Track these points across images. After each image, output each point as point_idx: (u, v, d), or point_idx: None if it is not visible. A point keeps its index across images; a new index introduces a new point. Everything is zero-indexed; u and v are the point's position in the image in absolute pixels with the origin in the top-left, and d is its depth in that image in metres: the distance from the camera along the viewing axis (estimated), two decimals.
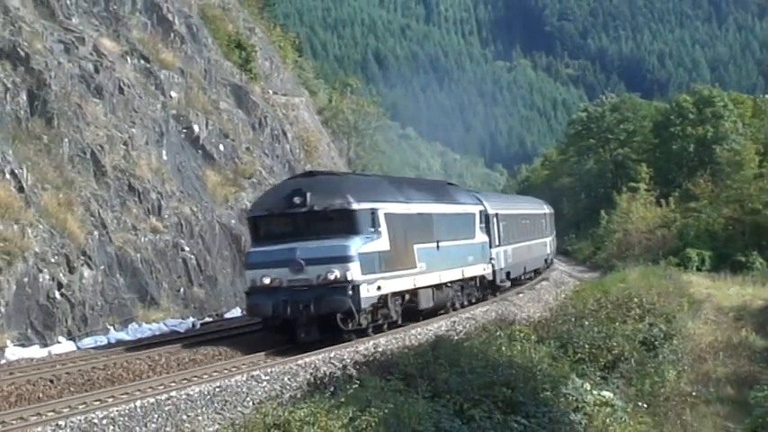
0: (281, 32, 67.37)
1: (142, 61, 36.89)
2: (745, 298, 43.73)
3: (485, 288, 33.97)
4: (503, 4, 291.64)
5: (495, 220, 35.47)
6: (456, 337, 22.14)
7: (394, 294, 24.42)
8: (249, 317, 24.92)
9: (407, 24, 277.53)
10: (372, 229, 23.13)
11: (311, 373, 18.34)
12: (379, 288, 23.09)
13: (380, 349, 20.22)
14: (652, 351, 26.45)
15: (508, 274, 37.72)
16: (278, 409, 13.85)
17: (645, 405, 22.27)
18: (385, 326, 24.40)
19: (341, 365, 19.11)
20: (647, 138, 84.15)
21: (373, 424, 13.82)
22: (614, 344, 23.91)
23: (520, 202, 52.99)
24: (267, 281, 22.36)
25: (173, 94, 37.83)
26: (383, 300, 23.64)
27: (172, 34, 40.77)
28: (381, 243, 23.46)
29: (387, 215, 23.89)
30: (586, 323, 25.23)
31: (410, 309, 25.92)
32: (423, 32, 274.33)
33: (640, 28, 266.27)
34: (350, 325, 22.35)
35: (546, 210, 54.67)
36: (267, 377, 18.32)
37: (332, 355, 20.95)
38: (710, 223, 61.08)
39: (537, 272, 47.43)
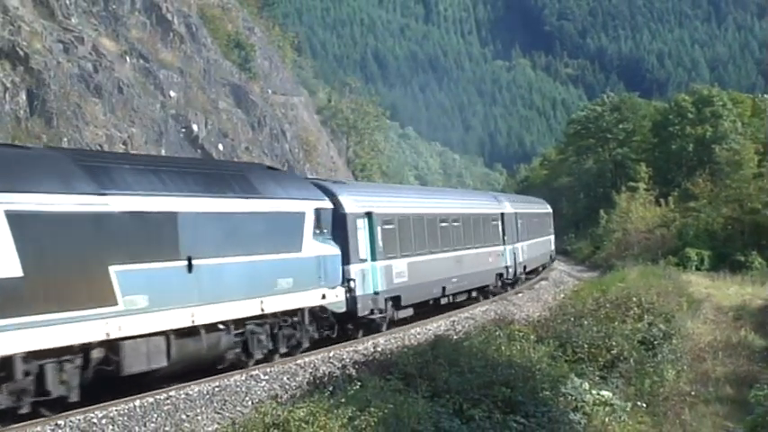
0: (280, 32, 67.47)
1: (141, 61, 36.93)
2: (745, 297, 43.73)
3: (334, 324, 23.01)
4: (502, 4, 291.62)
5: (361, 223, 25.03)
6: (455, 337, 22.14)
7: (41, 355, 14.34)
8: None
9: (407, 24, 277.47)
10: None
11: (310, 373, 18.37)
12: None
13: (380, 349, 20.22)
14: (651, 350, 26.43)
15: (396, 299, 26.81)
16: (277, 408, 13.84)
17: (644, 404, 22.25)
18: (23, 408, 14.20)
19: (340, 365, 19.14)
20: (646, 137, 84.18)
21: (373, 424, 13.81)
22: (613, 343, 23.90)
23: (439, 196, 38.96)
24: None
25: (172, 93, 37.86)
26: None
27: (171, 34, 40.85)
28: None
29: (15, 216, 14.03)
30: (585, 323, 25.22)
31: (111, 374, 15.80)
32: (422, 32, 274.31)
33: (640, 28, 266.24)
34: None
35: (508, 207, 41.49)
36: (266, 377, 18.35)
37: (331, 354, 20.98)
38: (710, 223, 61.09)
39: (485, 290, 36.53)
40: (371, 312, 25.18)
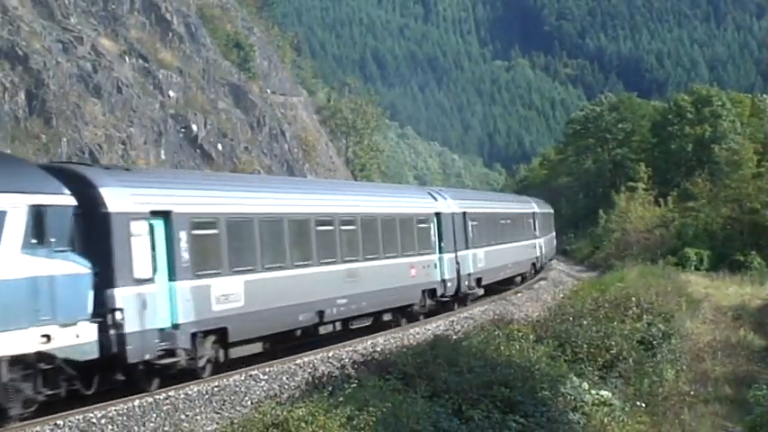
0: (279, 32, 67.50)
1: (140, 61, 36.95)
2: (744, 297, 43.74)
3: (83, 377, 15.60)
4: (501, 4, 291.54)
5: (143, 228, 17.27)
6: (454, 337, 22.15)
7: None
8: None
9: (406, 24, 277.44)
10: None
11: (309, 373, 18.37)
12: None
13: (379, 349, 20.22)
14: (650, 350, 26.48)
15: (220, 334, 19.03)
16: (276, 408, 13.87)
17: (643, 404, 22.27)
18: None
19: (339, 365, 19.14)
20: (645, 137, 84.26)
21: (371, 423, 13.83)
22: (612, 343, 23.95)
23: (320, 191, 27.09)
24: None
25: (171, 93, 37.89)
26: None
27: (170, 34, 40.88)
28: None
29: None
30: (585, 323, 25.25)
31: None
32: (421, 32, 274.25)
33: (639, 27, 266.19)
34: None
35: (450, 206, 32.81)
36: (265, 377, 18.34)
37: (330, 354, 20.96)
38: (709, 223, 61.13)
39: (408, 311, 28.44)
40: (167, 354, 17.48)
